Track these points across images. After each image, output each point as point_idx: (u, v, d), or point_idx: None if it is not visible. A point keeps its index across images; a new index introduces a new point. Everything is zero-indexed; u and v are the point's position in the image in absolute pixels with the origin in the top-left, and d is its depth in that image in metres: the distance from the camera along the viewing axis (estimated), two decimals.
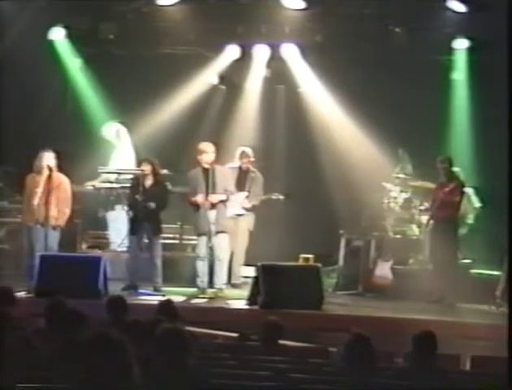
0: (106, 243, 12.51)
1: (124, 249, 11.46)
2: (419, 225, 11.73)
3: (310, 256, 11.56)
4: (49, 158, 10.39)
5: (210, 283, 10.40)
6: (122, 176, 12.11)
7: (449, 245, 10.87)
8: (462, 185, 11.13)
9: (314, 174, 13.11)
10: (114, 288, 9.98)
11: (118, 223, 12.10)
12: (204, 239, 10.38)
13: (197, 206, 10.37)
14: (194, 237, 10.87)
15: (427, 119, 12.48)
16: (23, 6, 12.05)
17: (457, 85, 13.00)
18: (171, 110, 13.13)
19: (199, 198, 10.31)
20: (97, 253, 11.82)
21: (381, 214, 11.87)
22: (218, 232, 10.37)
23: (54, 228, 10.41)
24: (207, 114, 13.30)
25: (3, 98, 12.12)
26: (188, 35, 12.87)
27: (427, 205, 11.50)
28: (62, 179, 10.52)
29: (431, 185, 11.55)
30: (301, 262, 11.50)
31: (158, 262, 10.56)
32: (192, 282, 10.53)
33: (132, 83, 12.92)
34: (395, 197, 11.82)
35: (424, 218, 11.49)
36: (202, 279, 10.36)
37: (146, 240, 10.63)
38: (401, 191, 11.85)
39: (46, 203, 10.29)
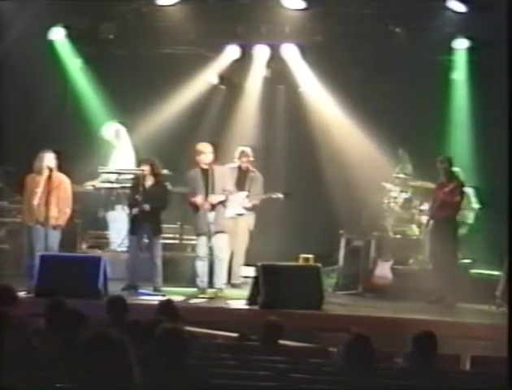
0: (106, 243, 12.51)
1: (124, 249, 11.47)
2: (419, 225, 11.73)
3: (310, 256, 11.56)
4: (49, 159, 10.39)
5: (210, 283, 10.40)
6: (122, 176, 12.11)
7: (449, 245, 10.87)
8: (462, 185, 11.13)
9: (314, 174, 13.11)
10: (114, 288, 9.98)
11: (118, 223, 12.10)
12: (203, 239, 10.38)
13: (196, 207, 10.38)
14: (194, 237, 10.86)
15: (427, 119, 12.47)
16: (23, 6, 12.05)
17: (457, 85, 12.99)
18: (171, 110, 13.12)
19: (198, 199, 10.31)
20: (97, 253, 11.82)
21: (381, 214, 11.87)
22: (217, 232, 10.37)
23: (55, 228, 10.40)
24: (207, 114, 13.30)
25: (3, 98, 12.12)
26: (188, 35, 12.86)
27: (427, 205, 11.50)
28: (62, 179, 10.52)
29: (431, 185, 11.55)
30: (301, 262, 11.50)
31: (159, 262, 10.56)
32: (192, 282, 10.53)
33: (132, 83, 12.92)
34: (395, 197, 11.81)
35: (424, 218, 11.49)
36: (202, 279, 10.36)
37: (146, 240, 10.64)
38: (401, 191, 11.85)
39: (47, 203, 10.29)
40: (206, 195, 10.30)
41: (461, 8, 12.13)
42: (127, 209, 11.26)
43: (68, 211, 10.54)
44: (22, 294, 9.54)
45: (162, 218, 10.76)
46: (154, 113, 13.04)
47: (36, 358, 5.02)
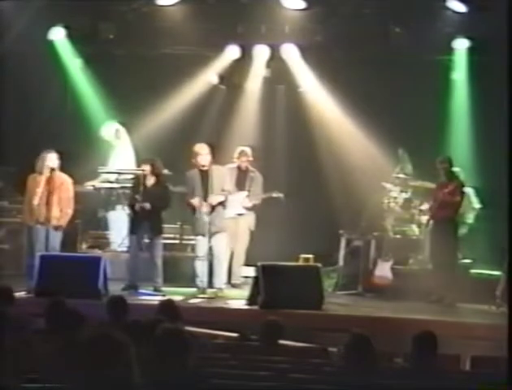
0: (106, 243, 12.50)
1: (124, 249, 11.48)
2: (419, 225, 11.73)
3: (310, 256, 11.56)
4: (51, 159, 10.40)
5: (210, 284, 10.40)
6: (122, 176, 12.11)
7: (449, 245, 10.87)
8: (462, 185, 11.13)
9: (314, 174, 13.11)
10: (114, 288, 9.99)
11: (118, 223, 12.10)
12: (202, 239, 10.38)
13: (193, 208, 10.39)
14: (194, 237, 10.86)
15: (427, 118, 12.47)
16: (23, 6, 12.05)
17: (457, 85, 12.99)
18: (170, 110, 13.12)
19: (195, 201, 10.32)
20: (97, 253, 11.82)
21: (381, 214, 11.87)
22: (216, 233, 10.38)
23: (56, 229, 10.41)
24: (207, 114, 13.29)
25: (3, 98, 12.12)
26: (188, 35, 12.85)
27: (427, 205, 11.50)
28: (64, 180, 10.52)
29: (431, 185, 11.55)
30: (301, 262, 11.50)
31: (159, 261, 10.56)
32: (192, 282, 10.53)
33: (132, 83, 12.91)
34: (395, 197, 11.81)
35: (424, 218, 11.50)
36: (202, 279, 10.36)
37: (147, 240, 10.64)
38: (401, 191, 11.85)
39: (48, 203, 10.30)
40: (204, 196, 10.31)
41: (461, 8, 12.13)
42: (127, 209, 11.26)
43: (70, 212, 10.54)
44: (22, 294, 9.57)
45: (162, 218, 10.76)
46: (154, 113, 13.03)
47: (36, 358, 5.02)
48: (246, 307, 9.80)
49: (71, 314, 6.17)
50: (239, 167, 11.58)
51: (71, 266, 9.92)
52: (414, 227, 11.83)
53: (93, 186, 12.26)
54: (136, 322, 6.04)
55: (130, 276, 10.57)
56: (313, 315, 9.52)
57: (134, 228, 10.68)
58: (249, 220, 11.63)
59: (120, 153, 12.59)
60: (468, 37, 12.57)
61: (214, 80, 13.51)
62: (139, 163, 11.25)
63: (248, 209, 11.54)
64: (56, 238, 10.44)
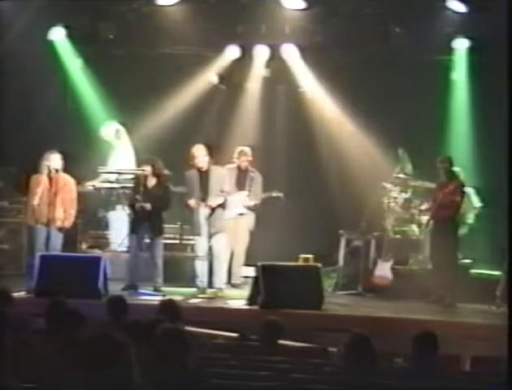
0: (106, 243, 12.50)
1: (124, 249, 11.48)
2: (419, 225, 11.73)
3: (310, 256, 11.56)
4: (55, 159, 10.44)
5: (210, 284, 10.40)
6: (122, 176, 12.11)
7: (449, 245, 10.87)
8: (463, 185, 11.12)
9: (314, 174, 13.11)
10: (114, 288, 9.99)
11: (118, 223, 12.10)
12: (202, 239, 10.39)
13: (191, 209, 10.41)
14: (194, 237, 10.86)
15: (427, 118, 12.47)
16: (23, 6, 12.04)
17: (457, 85, 12.99)
18: (170, 110, 13.12)
19: (191, 202, 10.34)
20: (97, 253, 11.82)
21: (381, 214, 11.87)
22: (215, 233, 10.38)
23: (60, 230, 10.44)
24: (207, 114, 13.29)
25: (3, 98, 12.12)
26: (188, 35, 12.84)
27: (427, 205, 11.50)
28: (67, 180, 10.56)
29: (431, 185, 11.55)
30: (301, 262, 11.50)
31: (159, 261, 10.56)
32: (191, 282, 10.53)
33: (132, 83, 12.91)
34: (395, 197, 11.81)
35: (424, 218, 11.49)
36: (202, 280, 10.36)
37: (147, 240, 10.64)
38: (401, 191, 11.84)
39: (52, 204, 10.34)
40: (202, 197, 10.32)
41: (461, 8, 12.12)
42: (127, 209, 11.25)
43: (73, 213, 10.57)
44: (22, 294, 9.57)
45: (163, 219, 10.76)
46: (154, 113, 13.03)
47: (36, 358, 5.02)
48: (246, 307, 9.80)
49: (71, 314, 6.17)
50: (239, 167, 11.58)
51: (71, 266, 9.92)
52: (414, 227, 11.83)
53: (93, 186, 12.26)
54: (136, 322, 6.04)
55: (130, 276, 10.57)
56: (313, 315, 9.52)
57: (134, 228, 10.68)
58: (249, 220, 11.63)
59: (120, 153, 12.59)
60: (468, 37, 12.57)
61: (214, 80, 13.51)
62: (140, 164, 11.23)
63: (249, 208, 11.53)
64: (58, 238, 10.47)
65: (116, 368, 3.38)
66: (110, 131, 12.68)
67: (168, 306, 7.17)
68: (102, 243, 12.53)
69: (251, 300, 9.77)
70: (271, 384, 5.47)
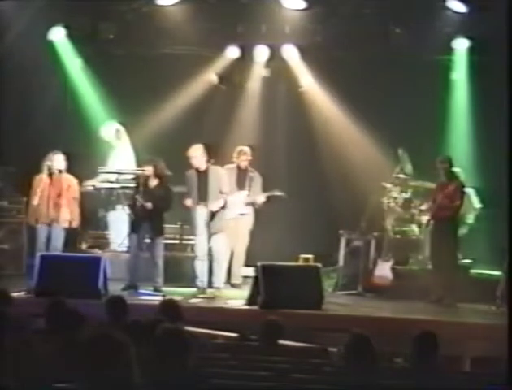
0: (106, 243, 12.50)
1: (124, 249, 11.48)
2: (419, 225, 11.73)
3: (310, 256, 11.56)
4: (58, 160, 10.50)
5: (210, 284, 10.40)
6: (122, 176, 12.11)
7: (449, 245, 10.86)
8: (463, 185, 11.12)
9: (314, 174, 13.11)
10: (115, 288, 9.99)
11: (118, 223, 12.10)
12: (202, 239, 10.39)
13: (189, 208, 10.44)
14: (194, 237, 10.86)
15: (427, 118, 12.47)
16: (23, 6, 12.04)
17: (457, 85, 12.99)
18: (170, 110, 13.11)
19: (187, 201, 10.36)
20: (97, 253, 11.82)
21: (381, 214, 11.87)
22: (215, 233, 10.39)
23: (66, 230, 10.57)
24: (207, 114, 13.27)
25: (3, 98, 12.12)
26: (188, 35, 12.84)
27: (427, 205, 11.50)
28: (71, 181, 10.66)
29: (431, 185, 11.54)
30: (301, 262, 11.50)
31: (160, 261, 10.57)
32: (191, 282, 10.54)
33: (132, 83, 12.91)
34: (395, 197, 11.81)
35: (424, 218, 11.49)
36: (202, 279, 10.36)
37: (148, 240, 10.65)
38: (401, 191, 11.84)
39: (56, 205, 10.43)
40: (200, 197, 10.33)
41: (461, 8, 12.12)
42: (127, 209, 11.25)
43: (77, 212, 10.66)
44: (22, 294, 9.57)
45: (164, 219, 10.77)
46: (154, 113, 13.02)
47: (36, 358, 5.02)
48: (246, 307, 9.79)
49: (71, 314, 6.17)
50: (238, 167, 11.57)
51: (71, 266, 9.92)
52: (414, 227, 11.83)
53: (93, 186, 12.25)
54: (136, 322, 6.04)
55: (130, 276, 10.57)
56: (313, 315, 9.52)
57: (135, 228, 10.68)
58: (249, 220, 11.62)
59: (120, 153, 12.59)
60: (468, 37, 12.56)
61: (214, 80, 13.50)
62: (141, 164, 11.22)
63: (252, 205, 11.49)
64: (60, 238, 10.55)
65: (116, 368, 3.38)
66: (110, 131, 12.68)
67: (169, 306, 7.16)
68: (102, 243, 12.53)
69: (251, 300, 9.77)
70: (271, 384, 5.47)
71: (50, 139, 11.90)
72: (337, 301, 10.57)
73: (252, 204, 11.51)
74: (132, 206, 10.69)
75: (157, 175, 10.66)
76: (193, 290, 10.39)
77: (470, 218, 12.04)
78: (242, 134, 12.91)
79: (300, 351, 7.09)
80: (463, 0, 12.04)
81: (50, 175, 10.54)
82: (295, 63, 13.31)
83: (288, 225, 12.84)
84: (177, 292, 10.29)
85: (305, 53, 13.15)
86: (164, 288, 10.48)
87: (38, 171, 10.66)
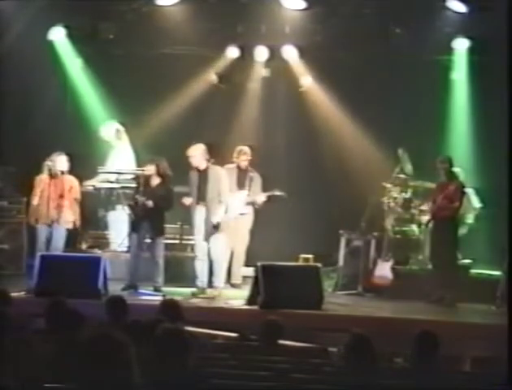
0: (106, 243, 12.50)
1: (124, 249, 11.48)
2: (419, 225, 11.73)
3: (310, 256, 11.57)
4: (61, 161, 10.52)
5: (210, 284, 10.40)
6: (122, 176, 12.10)
7: (449, 245, 10.87)
8: (463, 186, 11.12)
9: (314, 174, 13.11)
10: (115, 288, 9.99)
11: (118, 223, 12.10)
12: (201, 239, 10.39)
13: (187, 208, 10.46)
14: (194, 237, 10.86)
15: (427, 118, 12.48)
16: (23, 6, 12.04)
17: (457, 85, 12.99)
18: (170, 110, 13.11)
19: (185, 200, 10.39)
20: (97, 253, 11.82)
21: (381, 214, 11.87)
22: (215, 233, 10.38)
23: (68, 230, 10.60)
24: (207, 114, 13.28)
25: (3, 98, 12.11)
26: (188, 35, 12.83)
27: (427, 205, 11.50)
28: (73, 182, 10.69)
29: (431, 185, 11.55)
30: (301, 262, 11.50)
31: (161, 261, 10.57)
32: (191, 282, 10.54)
33: (132, 83, 12.90)
34: (395, 197, 11.81)
35: (424, 218, 11.50)
36: (202, 279, 10.37)
37: (148, 240, 10.65)
38: (401, 191, 11.85)
39: (58, 206, 10.48)
40: (199, 196, 10.34)
41: (461, 8, 12.12)
42: (126, 209, 11.25)
43: (78, 212, 10.69)
44: (22, 294, 9.57)
45: (164, 219, 10.77)
46: (154, 113, 13.03)
47: (36, 358, 5.02)
48: (246, 307, 9.79)
49: (71, 314, 6.17)
50: (238, 167, 11.57)
51: (71, 266, 9.92)
52: (414, 227, 11.83)
53: (93, 186, 12.25)
54: (136, 322, 6.03)
55: (130, 276, 10.57)
56: (313, 315, 9.52)
57: (135, 228, 10.68)
58: (249, 220, 11.62)
59: (120, 153, 12.59)
60: (468, 37, 12.56)
61: (214, 80, 13.50)
62: (144, 163, 11.20)
63: (253, 204, 11.49)
64: (60, 238, 10.58)
65: (116, 368, 3.38)
66: (110, 131, 12.67)
67: (169, 306, 7.16)
68: (102, 243, 12.53)
69: (251, 300, 9.77)
70: (271, 384, 5.47)
71: (50, 139, 11.90)
72: (337, 301, 10.57)
73: (252, 204, 11.51)
74: (133, 206, 10.69)
75: (159, 174, 10.67)
76: (193, 290, 10.39)
77: (470, 218, 12.04)
78: (242, 134, 12.91)
79: (300, 351, 7.09)
80: (463, 0, 12.04)
81: (51, 175, 10.55)
82: (295, 63, 13.31)
83: (288, 225, 12.84)
84: (177, 292, 10.29)
85: (305, 53, 13.15)
86: (164, 288, 10.48)
87: (38, 171, 10.68)
